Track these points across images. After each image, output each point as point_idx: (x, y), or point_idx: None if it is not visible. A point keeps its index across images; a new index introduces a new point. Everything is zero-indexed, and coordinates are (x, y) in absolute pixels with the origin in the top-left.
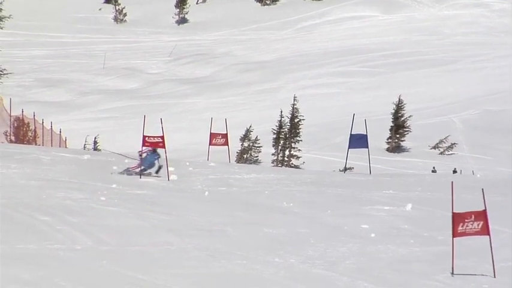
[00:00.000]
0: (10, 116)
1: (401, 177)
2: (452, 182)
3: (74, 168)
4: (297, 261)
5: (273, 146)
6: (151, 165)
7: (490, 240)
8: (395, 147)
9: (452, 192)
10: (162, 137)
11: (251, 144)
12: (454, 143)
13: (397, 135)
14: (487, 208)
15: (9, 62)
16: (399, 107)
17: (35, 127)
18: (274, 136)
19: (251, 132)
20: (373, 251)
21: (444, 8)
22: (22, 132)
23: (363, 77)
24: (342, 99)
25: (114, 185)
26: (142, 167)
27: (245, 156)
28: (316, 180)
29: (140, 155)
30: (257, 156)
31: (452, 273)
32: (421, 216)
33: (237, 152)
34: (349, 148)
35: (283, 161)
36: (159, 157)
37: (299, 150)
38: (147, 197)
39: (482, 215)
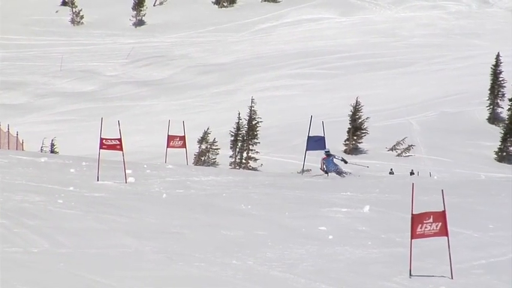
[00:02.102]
0: None
1: (359, 179)
2: (413, 184)
3: (31, 171)
4: (254, 263)
5: (231, 148)
6: (335, 165)
7: (448, 242)
8: (352, 149)
9: (412, 193)
10: (120, 140)
11: (209, 146)
12: (412, 145)
13: (355, 137)
14: (445, 209)
15: None
16: (356, 109)
17: None
18: (232, 138)
19: (209, 135)
20: (331, 253)
21: (401, 10)
22: None
23: (321, 79)
24: (299, 101)
25: (71, 188)
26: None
27: (203, 158)
28: (274, 182)
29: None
30: (215, 159)
31: (410, 275)
32: (378, 218)
33: (194, 154)
34: (306, 150)
35: (241, 163)
36: (333, 157)
37: (257, 152)
38: (105, 200)
39: (441, 216)
